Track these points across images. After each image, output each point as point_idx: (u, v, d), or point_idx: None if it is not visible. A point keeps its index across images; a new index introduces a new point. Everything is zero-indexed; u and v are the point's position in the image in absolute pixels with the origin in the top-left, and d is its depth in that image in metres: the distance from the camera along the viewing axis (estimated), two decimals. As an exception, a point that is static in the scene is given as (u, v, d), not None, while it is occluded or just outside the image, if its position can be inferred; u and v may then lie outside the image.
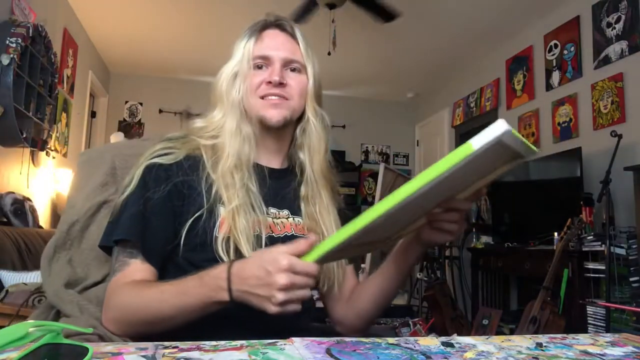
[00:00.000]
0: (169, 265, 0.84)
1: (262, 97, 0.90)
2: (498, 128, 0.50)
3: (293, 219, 0.92)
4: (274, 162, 0.96)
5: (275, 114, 0.89)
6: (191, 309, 0.70)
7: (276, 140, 0.95)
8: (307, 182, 0.94)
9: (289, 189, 0.94)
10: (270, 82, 0.89)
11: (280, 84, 0.89)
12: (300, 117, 0.95)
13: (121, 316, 0.76)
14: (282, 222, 0.91)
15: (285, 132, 0.94)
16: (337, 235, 0.60)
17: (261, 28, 0.94)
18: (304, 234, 0.92)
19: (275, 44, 0.92)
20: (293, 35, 0.94)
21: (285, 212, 0.92)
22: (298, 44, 0.94)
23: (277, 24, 0.94)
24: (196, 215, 0.82)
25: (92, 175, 0.99)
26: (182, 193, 0.84)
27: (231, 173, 0.85)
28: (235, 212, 0.82)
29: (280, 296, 0.62)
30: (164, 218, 0.80)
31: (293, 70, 0.92)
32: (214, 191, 0.84)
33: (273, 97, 0.89)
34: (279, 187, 0.93)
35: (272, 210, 0.91)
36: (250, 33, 0.93)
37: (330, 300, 0.98)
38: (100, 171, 0.99)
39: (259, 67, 0.92)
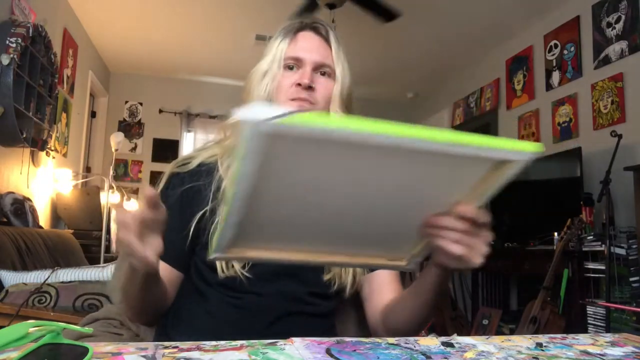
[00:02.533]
0: (191, 263, 0.91)
1: (291, 100, 0.90)
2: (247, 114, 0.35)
3: None
4: None
5: None
6: (123, 278, 0.75)
7: None
8: None
9: None
10: (299, 85, 0.89)
11: (309, 88, 0.90)
12: None
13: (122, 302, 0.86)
14: None
15: None
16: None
17: (297, 29, 0.94)
18: None
19: (308, 46, 0.92)
20: (327, 40, 0.94)
21: None
22: (331, 49, 0.94)
23: (313, 27, 0.95)
24: (200, 213, 0.86)
25: None
26: (192, 196, 0.88)
27: None
28: None
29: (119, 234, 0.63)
30: (174, 218, 0.81)
31: (323, 74, 0.92)
32: (220, 191, 0.87)
33: (301, 102, 0.90)
34: None
35: None
36: (284, 33, 0.94)
37: (364, 302, 0.94)
38: None
39: (290, 68, 0.92)
